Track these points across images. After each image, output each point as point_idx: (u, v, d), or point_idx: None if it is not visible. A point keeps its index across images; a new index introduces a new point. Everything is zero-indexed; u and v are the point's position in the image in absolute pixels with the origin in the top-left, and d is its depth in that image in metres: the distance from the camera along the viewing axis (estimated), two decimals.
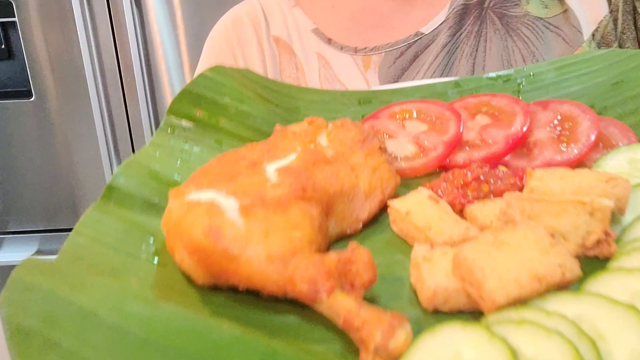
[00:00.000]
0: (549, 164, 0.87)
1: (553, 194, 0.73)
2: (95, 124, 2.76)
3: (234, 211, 0.70)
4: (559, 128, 0.93)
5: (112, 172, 2.73)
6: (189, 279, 0.72)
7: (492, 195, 0.82)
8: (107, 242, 0.76)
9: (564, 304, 0.56)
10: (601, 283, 0.60)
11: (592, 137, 0.87)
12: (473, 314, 0.64)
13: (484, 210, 0.78)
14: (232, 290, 0.70)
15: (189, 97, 1.04)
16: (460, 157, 0.94)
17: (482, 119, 1.01)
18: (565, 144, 0.90)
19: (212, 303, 0.70)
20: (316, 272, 0.63)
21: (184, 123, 1.02)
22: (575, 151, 0.87)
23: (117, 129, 2.84)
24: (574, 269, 0.61)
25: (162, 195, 0.87)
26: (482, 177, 0.83)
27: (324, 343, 0.64)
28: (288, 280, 0.65)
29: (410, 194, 0.82)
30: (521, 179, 0.82)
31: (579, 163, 0.87)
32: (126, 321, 0.60)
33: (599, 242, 0.69)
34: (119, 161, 2.86)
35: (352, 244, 0.67)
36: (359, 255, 0.65)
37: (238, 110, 1.06)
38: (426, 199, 0.80)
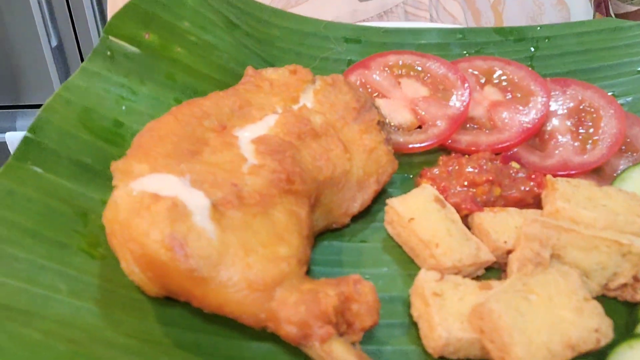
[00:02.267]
0: (565, 165, 0.76)
1: (583, 222, 0.62)
2: None
3: (204, 214, 0.54)
4: (577, 120, 0.81)
5: (48, 40, 2.26)
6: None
7: (502, 201, 0.71)
8: (22, 226, 0.57)
9: None
10: (633, 353, 0.52)
11: (616, 140, 0.76)
12: None
13: (496, 223, 0.66)
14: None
15: (135, 14, 0.79)
16: (464, 139, 0.81)
17: (492, 92, 0.86)
18: (584, 142, 0.78)
19: (168, 321, 0.55)
20: (309, 313, 0.50)
21: (128, 47, 0.79)
22: (597, 154, 0.76)
23: None
24: (608, 333, 0.53)
25: (97, 152, 0.68)
26: (492, 178, 0.70)
27: None
28: (271, 315, 0.51)
29: (413, 193, 0.69)
30: (539, 185, 0.71)
31: (597, 167, 0.76)
32: None
33: (624, 285, 0.61)
34: (55, 27, 2.38)
35: (354, 277, 0.54)
36: (362, 293, 0.52)
37: (200, 39, 0.83)
38: (431, 202, 0.67)
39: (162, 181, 0.56)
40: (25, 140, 0.63)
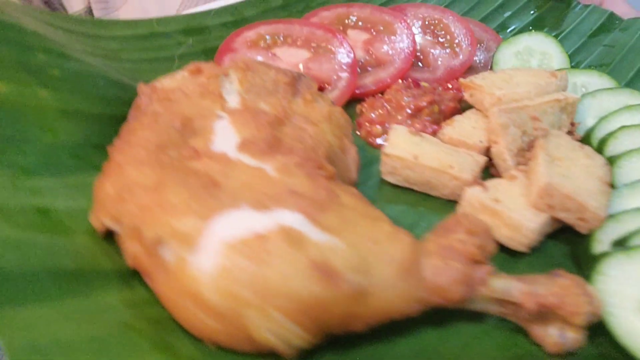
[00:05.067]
0: (452, 71, 0.86)
1: (522, 98, 0.73)
2: None
3: (308, 226, 0.44)
4: (431, 32, 0.92)
5: None
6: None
7: (442, 115, 0.77)
8: None
9: None
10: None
11: (473, 38, 0.90)
12: (555, 237, 0.61)
13: (461, 131, 0.72)
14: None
15: None
16: (368, 80, 0.83)
17: (357, 34, 0.90)
18: (451, 47, 0.90)
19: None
20: (462, 264, 0.47)
21: None
22: (466, 53, 0.88)
23: None
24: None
25: None
26: (434, 99, 0.76)
27: None
28: (431, 289, 0.46)
29: (392, 136, 0.69)
30: (458, 89, 0.79)
31: (470, 64, 0.89)
32: None
33: (568, 133, 0.75)
34: None
35: (458, 216, 0.52)
36: (471, 226, 0.52)
37: (63, 70, 0.62)
38: (410, 135, 0.69)
39: (231, 222, 0.43)
40: None
